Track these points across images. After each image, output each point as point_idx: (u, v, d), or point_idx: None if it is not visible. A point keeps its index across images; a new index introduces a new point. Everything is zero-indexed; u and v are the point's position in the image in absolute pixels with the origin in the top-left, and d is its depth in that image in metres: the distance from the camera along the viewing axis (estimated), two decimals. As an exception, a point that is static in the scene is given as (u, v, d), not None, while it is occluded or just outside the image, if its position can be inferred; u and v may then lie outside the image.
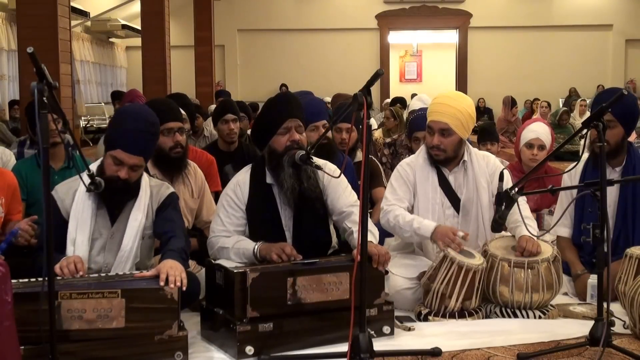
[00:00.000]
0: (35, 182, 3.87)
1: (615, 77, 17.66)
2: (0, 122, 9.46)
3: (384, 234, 3.76)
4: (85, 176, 2.81)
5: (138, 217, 3.04)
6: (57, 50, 6.13)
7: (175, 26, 12.71)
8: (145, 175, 3.14)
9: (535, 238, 3.34)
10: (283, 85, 16.81)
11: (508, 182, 3.01)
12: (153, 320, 2.64)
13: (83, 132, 12.58)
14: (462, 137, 3.51)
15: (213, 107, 7.84)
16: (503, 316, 3.30)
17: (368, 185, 2.59)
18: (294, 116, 3.18)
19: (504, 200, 2.92)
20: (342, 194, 3.25)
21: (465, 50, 18.22)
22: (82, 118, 13.23)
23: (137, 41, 13.70)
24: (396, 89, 17.47)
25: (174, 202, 3.16)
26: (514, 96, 11.14)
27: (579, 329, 3.03)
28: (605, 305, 2.70)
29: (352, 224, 3.15)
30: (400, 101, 10.23)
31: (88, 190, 2.79)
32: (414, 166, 3.58)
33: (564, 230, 3.80)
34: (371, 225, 3.09)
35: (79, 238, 2.98)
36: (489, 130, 5.42)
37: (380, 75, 2.64)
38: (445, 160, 3.53)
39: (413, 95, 10.82)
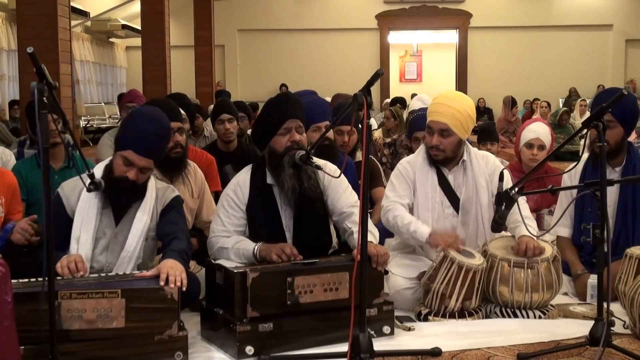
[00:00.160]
0: (35, 182, 3.87)
1: (615, 77, 17.67)
2: (0, 122, 9.45)
3: (384, 234, 3.76)
4: (85, 176, 2.81)
5: (143, 218, 3.05)
6: (57, 50, 6.13)
7: (175, 26, 12.71)
8: (152, 177, 3.15)
9: (535, 238, 3.34)
10: (283, 85, 16.82)
11: (508, 182, 3.01)
12: (153, 320, 2.64)
13: (83, 132, 12.59)
14: (462, 137, 3.51)
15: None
16: (503, 316, 3.30)
17: (368, 185, 2.59)
18: (295, 117, 3.18)
19: (504, 200, 2.92)
20: (342, 194, 3.25)
21: (465, 50, 18.23)
22: (82, 118, 13.24)
23: (137, 41, 13.71)
24: (396, 89, 17.48)
25: (179, 205, 3.17)
26: (514, 96, 11.15)
27: (579, 329, 3.03)
28: (605, 305, 2.70)
29: (352, 224, 3.15)
30: (400, 101, 10.23)
31: (88, 190, 2.79)
32: (413, 165, 3.58)
33: (564, 230, 3.80)
34: (371, 226, 3.09)
35: (83, 236, 2.99)
36: (489, 130, 5.42)
37: (380, 75, 2.64)
38: (444, 160, 3.53)
39: (413, 95, 10.82)
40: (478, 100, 16.37)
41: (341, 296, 2.90)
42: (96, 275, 2.88)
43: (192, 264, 3.44)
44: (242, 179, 3.26)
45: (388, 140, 5.85)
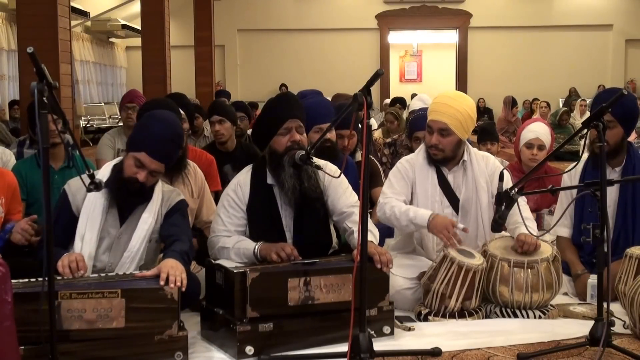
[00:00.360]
0: (35, 182, 3.87)
1: (615, 77, 17.67)
2: (0, 122, 9.45)
3: (384, 234, 3.76)
4: (85, 176, 2.81)
5: (148, 220, 3.06)
6: (57, 50, 6.12)
7: (175, 26, 12.70)
8: (159, 180, 3.15)
9: (534, 238, 3.33)
10: (283, 85, 16.82)
11: (508, 182, 3.01)
12: (153, 320, 2.64)
13: (83, 132, 12.59)
14: (461, 137, 3.51)
15: (212, 107, 7.82)
16: (503, 316, 3.30)
17: (368, 185, 2.59)
18: (295, 117, 3.18)
19: (504, 201, 2.92)
20: (342, 194, 3.25)
21: (465, 50, 18.23)
22: (82, 118, 13.25)
23: (137, 41, 13.71)
24: (396, 89, 17.48)
25: (183, 209, 3.18)
26: (514, 96, 11.15)
27: (579, 329, 3.03)
28: (605, 305, 2.70)
29: (353, 224, 3.15)
30: (400, 101, 10.25)
31: (88, 190, 2.79)
32: (413, 164, 3.58)
33: (564, 230, 3.80)
34: (371, 226, 3.10)
35: (88, 235, 3.00)
36: (489, 130, 5.42)
37: (380, 75, 2.64)
38: (443, 159, 3.53)
39: (413, 95, 10.83)
40: (478, 100, 16.36)
41: (342, 297, 2.89)
42: (96, 275, 2.88)
43: (192, 264, 3.44)
44: (243, 179, 3.26)
45: (388, 140, 5.85)
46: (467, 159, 3.57)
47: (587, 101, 11.45)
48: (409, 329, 3.09)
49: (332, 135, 3.82)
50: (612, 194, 3.60)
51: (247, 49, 18.08)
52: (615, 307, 3.15)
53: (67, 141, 4.08)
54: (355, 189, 3.33)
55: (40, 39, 5.89)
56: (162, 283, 2.66)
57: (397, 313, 3.14)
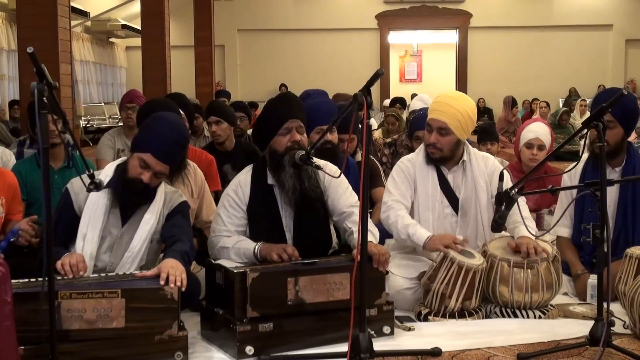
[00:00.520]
0: (35, 182, 3.87)
1: (615, 77, 17.66)
2: (0, 122, 9.45)
3: (384, 234, 3.75)
4: (85, 176, 2.81)
5: (150, 220, 3.06)
6: (57, 50, 6.12)
7: (175, 26, 12.70)
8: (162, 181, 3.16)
9: (534, 238, 3.33)
10: (283, 85, 16.82)
11: (508, 182, 3.01)
12: (153, 320, 2.64)
13: (83, 132, 12.59)
14: (460, 138, 3.51)
15: (213, 107, 7.82)
16: (503, 316, 3.30)
17: (368, 185, 2.59)
18: (295, 117, 3.18)
19: (503, 201, 2.92)
20: (342, 194, 3.25)
21: (465, 50, 18.23)
22: (82, 118, 13.24)
23: (137, 41, 13.71)
24: (396, 89, 17.48)
25: (185, 211, 3.18)
26: (514, 96, 11.15)
27: (579, 329, 3.03)
28: (605, 305, 2.70)
29: (353, 224, 3.15)
30: (399, 101, 10.24)
31: (88, 190, 2.80)
32: (414, 163, 3.59)
33: (564, 230, 3.80)
34: (371, 225, 3.10)
35: (90, 234, 3.00)
36: (489, 130, 5.42)
37: (380, 75, 2.64)
38: (441, 159, 3.54)
39: (413, 96, 10.83)
40: (478, 101, 16.37)
41: (342, 296, 2.89)
42: (96, 275, 2.88)
43: (192, 264, 3.44)
44: (243, 179, 3.26)
45: (388, 140, 5.85)
46: (467, 159, 3.57)
47: (587, 101, 11.45)
48: (409, 329, 3.09)
49: (333, 137, 3.81)
50: (612, 194, 3.60)
51: (247, 49, 18.08)
52: (615, 307, 3.15)
53: (67, 141, 4.08)
54: (357, 189, 3.33)
55: (40, 39, 5.89)
56: (162, 283, 2.66)
57: (397, 313, 3.15)
